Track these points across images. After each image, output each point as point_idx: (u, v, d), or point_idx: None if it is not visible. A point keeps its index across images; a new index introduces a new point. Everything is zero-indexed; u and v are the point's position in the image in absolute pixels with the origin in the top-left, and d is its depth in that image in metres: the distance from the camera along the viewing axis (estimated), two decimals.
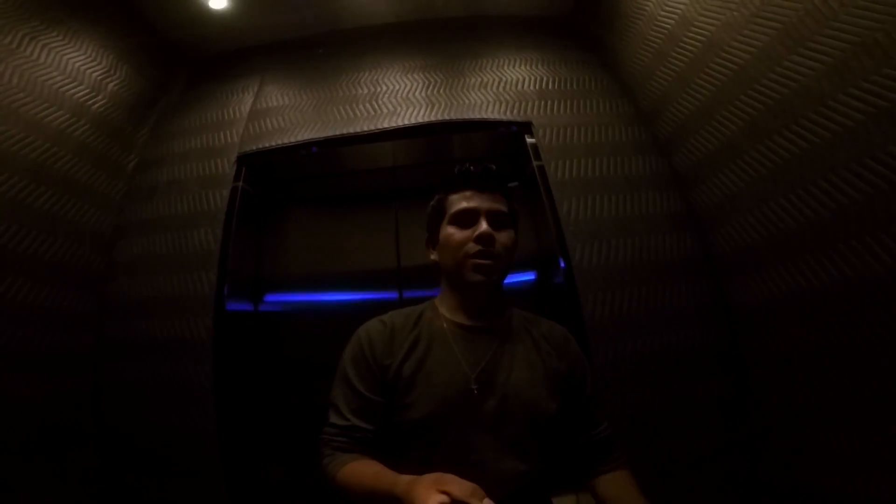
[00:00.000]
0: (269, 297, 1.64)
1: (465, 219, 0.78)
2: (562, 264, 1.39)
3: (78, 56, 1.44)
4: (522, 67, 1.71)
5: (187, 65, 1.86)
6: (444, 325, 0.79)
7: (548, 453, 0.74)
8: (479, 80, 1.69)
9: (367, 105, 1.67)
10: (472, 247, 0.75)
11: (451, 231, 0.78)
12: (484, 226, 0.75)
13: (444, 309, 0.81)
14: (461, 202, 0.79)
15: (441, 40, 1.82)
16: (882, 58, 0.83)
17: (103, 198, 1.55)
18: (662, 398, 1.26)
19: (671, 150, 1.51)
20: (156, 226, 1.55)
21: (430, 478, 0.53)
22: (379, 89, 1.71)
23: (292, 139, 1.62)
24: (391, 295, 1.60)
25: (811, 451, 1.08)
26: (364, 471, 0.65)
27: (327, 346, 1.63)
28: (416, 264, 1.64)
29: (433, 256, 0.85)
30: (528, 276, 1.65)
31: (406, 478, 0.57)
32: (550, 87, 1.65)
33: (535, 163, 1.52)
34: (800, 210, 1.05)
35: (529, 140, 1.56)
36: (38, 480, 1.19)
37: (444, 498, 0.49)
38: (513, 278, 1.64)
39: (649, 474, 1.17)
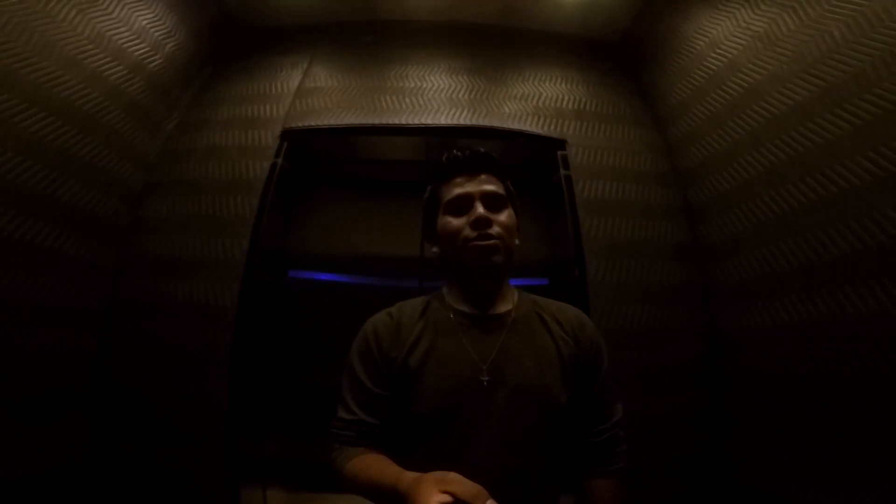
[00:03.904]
0: (292, 273, 1.69)
1: (460, 205, 0.76)
2: (577, 275, 1.47)
3: (146, 14, 1.48)
4: (563, 85, 1.79)
5: (238, 35, 1.90)
6: (451, 314, 0.77)
7: (559, 449, 0.72)
8: (520, 91, 1.76)
9: (414, 99, 1.73)
10: (470, 232, 0.73)
11: (447, 220, 0.76)
12: (479, 210, 0.73)
13: (450, 299, 0.79)
14: (454, 189, 0.77)
15: (487, 46, 1.88)
16: None
17: (140, 154, 1.58)
18: (646, 406, 1.38)
19: (688, 183, 1.60)
20: (190, 187, 1.58)
21: (433, 476, 0.51)
22: (425, 85, 1.76)
23: (337, 121, 1.67)
24: (412, 283, 1.66)
25: (771, 463, 1.20)
26: (369, 465, 0.65)
27: (342, 328, 1.71)
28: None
29: (434, 249, 0.83)
30: (541, 283, 1.73)
31: (410, 475, 0.56)
32: (587, 108, 1.73)
33: (562, 172, 1.60)
34: (795, 255, 1.15)
35: (560, 152, 1.64)
36: (21, 444, 1.12)
37: (447, 498, 0.48)
38: (526, 283, 1.73)
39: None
